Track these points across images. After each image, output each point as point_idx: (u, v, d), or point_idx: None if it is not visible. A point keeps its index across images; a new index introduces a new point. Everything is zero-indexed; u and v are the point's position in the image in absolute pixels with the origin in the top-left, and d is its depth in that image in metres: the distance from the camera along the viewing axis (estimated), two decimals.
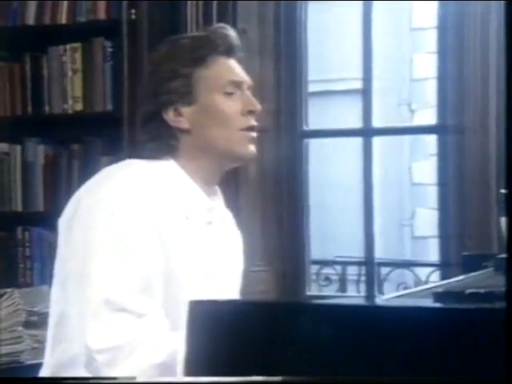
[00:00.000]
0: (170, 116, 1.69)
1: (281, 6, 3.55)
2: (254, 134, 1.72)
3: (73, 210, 1.64)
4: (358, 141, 3.70)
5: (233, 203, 3.14)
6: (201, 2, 3.14)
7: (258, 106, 1.73)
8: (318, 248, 6.14)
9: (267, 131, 3.43)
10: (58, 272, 1.66)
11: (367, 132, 3.65)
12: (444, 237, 3.50)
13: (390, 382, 0.90)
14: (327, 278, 6.09)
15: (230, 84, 1.71)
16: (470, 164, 3.12)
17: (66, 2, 3.21)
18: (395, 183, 7.09)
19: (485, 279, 1.50)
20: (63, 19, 3.22)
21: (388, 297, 1.31)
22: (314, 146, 4.00)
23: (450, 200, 3.35)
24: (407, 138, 7.26)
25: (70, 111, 3.21)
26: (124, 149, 3.10)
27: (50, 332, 1.68)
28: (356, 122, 3.73)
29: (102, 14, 3.15)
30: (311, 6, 3.96)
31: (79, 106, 3.19)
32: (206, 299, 1.04)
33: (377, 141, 3.65)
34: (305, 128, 3.66)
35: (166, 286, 1.60)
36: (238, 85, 1.72)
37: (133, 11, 3.06)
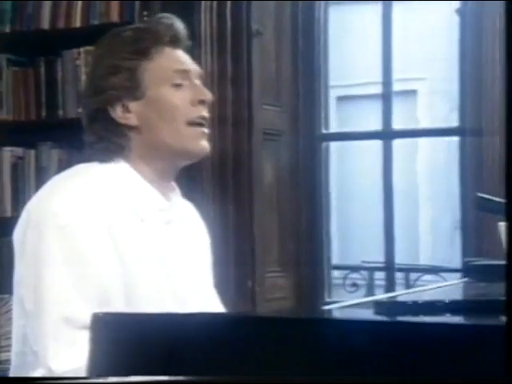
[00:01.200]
0: (117, 113, 1.62)
1: (298, 6, 3.49)
2: (205, 130, 1.65)
3: (25, 223, 1.56)
4: (398, 143, 3.58)
5: (247, 206, 3.12)
6: (214, 4, 3.09)
7: (208, 95, 1.65)
8: (344, 253, 6.06)
9: (282, 136, 3.38)
10: (16, 288, 1.57)
11: (387, 134, 3.58)
12: (465, 241, 3.41)
13: (389, 382, 0.85)
14: (354, 284, 6.00)
15: (176, 74, 1.63)
16: (488, 166, 3.05)
17: (80, 6, 3.18)
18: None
19: (455, 289, 1.43)
20: (77, 22, 3.19)
21: (335, 306, 1.25)
22: (336, 148, 3.95)
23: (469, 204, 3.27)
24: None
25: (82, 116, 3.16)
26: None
27: (14, 349, 1.59)
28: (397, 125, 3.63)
29: (115, 17, 3.12)
30: (333, 7, 3.90)
31: None
32: (109, 312, 1.00)
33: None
34: (323, 131, 3.59)
35: (126, 293, 1.53)
36: (185, 74, 1.64)
37: (145, 13, 3.02)
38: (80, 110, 3.14)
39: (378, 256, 3.97)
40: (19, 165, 3.28)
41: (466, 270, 1.59)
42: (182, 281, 1.64)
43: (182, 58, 1.66)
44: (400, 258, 3.85)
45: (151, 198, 1.62)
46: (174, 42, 1.66)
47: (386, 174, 3.55)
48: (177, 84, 1.62)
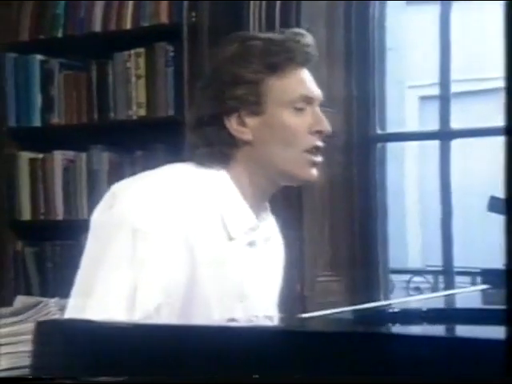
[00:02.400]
0: (232, 124, 1.55)
1: (352, 4, 3.41)
2: (319, 158, 1.59)
3: (105, 208, 1.50)
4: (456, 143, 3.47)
5: (297, 209, 3.06)
6: (264, 2, 3.03)
7: (327, 127, 1.60)
8: (401, 256, 5.95)
9: (335, 138, 3.30)
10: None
11: (445, 135, 3.47)
12: None
13: (389, 382, 0.82)
14: (417, 288, 5.88)
15: (301, 99, 1.56)
16: None
17: (130, 7, 3.16)
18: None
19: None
20: (128, 24, 3.18)
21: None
22: (393, 149, 3.84)
23: None
24: None
25: (135, 117, 3.16)
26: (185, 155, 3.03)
27: None
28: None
29: (164, 18, 3.09)
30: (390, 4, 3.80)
31: (143, 112, 3.13)
32: (54, 319, 0.96)
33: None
34: (378, 131, 3.50)
35: (185, 311, 1.47)
36: (309, 100, 1.57)
37: (193, 14, 2.98)
38: (130, 112, 3.17)
39: (437, 259, 3.87)
40: (70, 168, 3.28)
41: (487, 277, 1.52)
42: (255, 306, 1.58)
43: (309, 81, 1.59)
44: (459, 261, 3.73)
45: (244, 216, 1.56)
46: (305, 62, 1.59)
47: (443, 175, 3.44)
48: (299, 108, 1.56)
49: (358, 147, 3.39)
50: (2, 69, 3.35)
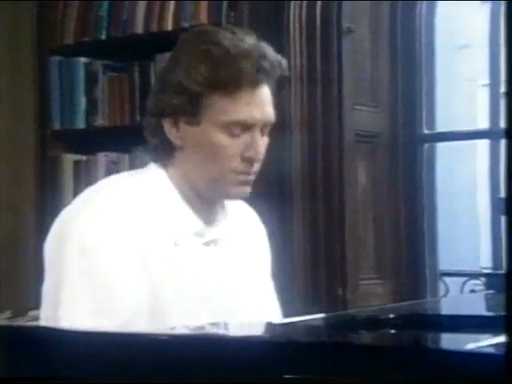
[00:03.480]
0: (168, 127, 1.52)
1: (398, 2, 3.34)
2: (250, 177, 1.52)
3: (52, 236, 1.52)
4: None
5: (337, 211, 3.00)
6: (304, 2, 2.99)
7: (259, 156, 1.52)
8: (449, 258, 5.82)
9: (378, 137, 3.23)
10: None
11: (495, 134, 3.38)
12: None
13: (389, 383, 0.81)
14: (472, 291, 5.76)
15: (237, 125, 1.50)
16: None
17: (171, 8, 3.15)
18: None
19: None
20: (169, 26, 3.16)
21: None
22: (442, 149, 3.75)
23: None
24: None
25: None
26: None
27: None
28: None
29: (203, 19, 3.06)
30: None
31: None
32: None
33: None
34: (425, 131, 3.42)
35: (152, 320, 1.44)
36: (246, 127, 1.50)
37: (232, 14, 2.95)
38: None
39: (487, 261, 3.78)
40: (113, 169, 3.27)
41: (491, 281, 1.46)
42: (224, 303, 1.55)
43: (255, 105, 1.50)
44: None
45: (186, 221, 1.53)
46: (255, 83, 1.49)
47: (492, 175, 3.35)
48: (233, 134, 1.50)
49: (403, 147, 3.32)
50: (47, 72, 3.37)
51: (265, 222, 3.00)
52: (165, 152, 1.54)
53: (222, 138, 1.50)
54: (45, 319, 1.48)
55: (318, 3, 2.98)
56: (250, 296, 1.62)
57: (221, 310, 1.53)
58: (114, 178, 1.59)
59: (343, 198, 2.99)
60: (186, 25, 3.11)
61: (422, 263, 3.38)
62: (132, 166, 3.25)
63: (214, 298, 1.54)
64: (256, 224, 1.72)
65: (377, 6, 3.25)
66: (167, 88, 1.52)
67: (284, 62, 1.55)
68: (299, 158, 2.98)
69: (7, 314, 2.69)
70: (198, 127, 1.50)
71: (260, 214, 2.99)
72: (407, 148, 3.33)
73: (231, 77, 1.47)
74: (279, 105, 3.03)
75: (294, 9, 2.98)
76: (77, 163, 3.35)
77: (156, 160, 1.56)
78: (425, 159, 3.40)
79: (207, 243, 1.55)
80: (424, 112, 3.42)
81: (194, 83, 1.48)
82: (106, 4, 3.31)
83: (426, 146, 3.41)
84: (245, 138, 1.50)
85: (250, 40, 1.51)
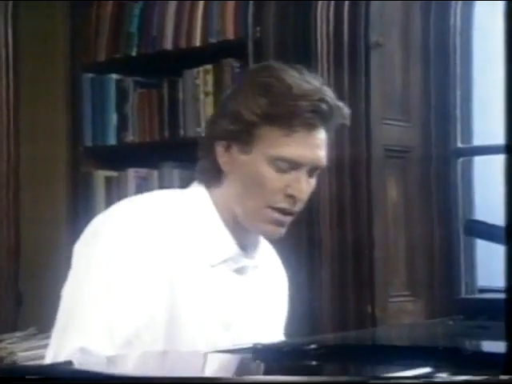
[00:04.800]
0: (219, 151, 1.53)
1: (430, 14, 3.26)
2: (285, 218, 1.51)
3: (83, 238, 1.51)
4: None
5: (366, 227, 2.93)
6: (331, 16, 2.94)
7: (302, 195, 1.51)
8: (488, 275, 5.66)
9: (410, 152, 3.16)
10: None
11: None
12: None
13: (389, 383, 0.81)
14: None
15: (288, 162, 1.49)
16: None
17: (199, 24, 3.13)
18: None
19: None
20: (197, 41, 3.14)
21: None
22: (479, 164, 3.65)
23: None
24: None
25: (203, 134, 3.11)
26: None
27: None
28: None
29: (230, 34, 3.04)
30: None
31: None
32: None
33: None
34: (460, 145, 3.33)
35: (169, 338, 1.43)
36: (294, 166, 1.50)
37: (258, 29, 2.92)
38: (198, 129, 3.14)
39: None
40: (143, 185, 3.26)
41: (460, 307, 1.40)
42: (241, 335, 1.53)
43: (307, 146, 1.50)
44: None
45: (224, 244, 1.53)
46: (311, 125, 1.50)
47: None
48: (280, 169, 1.50)
49: (437, 162, 3.24)
50: (79, 89, 3.38)
51: (293, 239, 2.98)
52: (212, 174, 1.55)
53: (268, 171, 1.50)
54: (61, 320, 1.46)
55: (345, 17, 2.93)
56: (264, 329, 1.60)
57: (239, 337, 1.51)
58: (158, 193, 1.60)
59: (372, 214, 2.92)
60: (213, 40, 3.09)
61: (457, 280, 3.28)
62: (161, 182, 3.24)
63: (235, 326, 1.53)
64: (279, 264, 1.72)
65: (408, 18, 3.18)
66: (226, 114, 1.53)
67: (346, 110, 1.55)
68: (326, 175, 2.92)
69: (32, 330, 2.68)
70: (247, 156, 1.51)
71: (288, 231, 2.96)
72: (441, 162, 3.24)
73: (287, 114, 1.48)
74: None
75: (320, 23, 2.92)
76: (108, 179, 3.35)
77: (201, 180, 1.57)
78: (460, 174, 3.31)
79: (238, 270, 1.54)
80: (459, 125, 3.33)
81: (252, 113, 1.49)
82: (136, 21, 3.30)
83: (461, 160, 3.32)
84: (291, 175, 1.50)
85: (314, 82, 1.52)
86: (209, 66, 3.09)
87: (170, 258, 1.46)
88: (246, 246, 1.56)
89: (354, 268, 2.92)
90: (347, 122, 1.56)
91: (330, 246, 2.92)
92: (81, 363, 1.31)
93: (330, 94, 1.51)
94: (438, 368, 0.75)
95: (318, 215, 2.92)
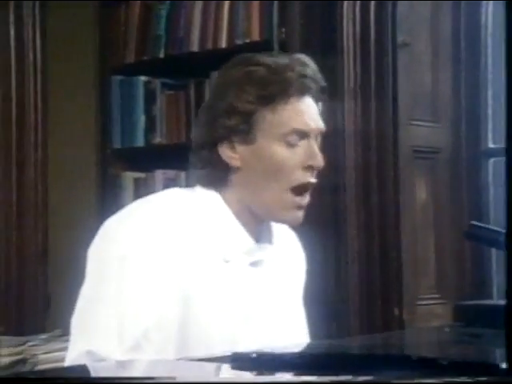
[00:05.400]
0: (224, 150, 1.51)
1: (461, 14, 3.19)
2: (305, 200, 1.50)
3: (95, 242, 1.50)
4: None
5: (393, 229, 2.87)
6: (357, 16, 2.88)
7: (320, 162, 1.49)
8: None
9: (440, 153, 3.09)
10: None
11: None
12: None
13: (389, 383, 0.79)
14: None
15: (293, 133, 1.49)
16: None
17: (225, 26, 3.09)
18: None
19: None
20: (223, 43, 3.11)
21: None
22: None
23: None
24: None
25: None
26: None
27: None
28: None
29: (255, 35, 3.00)
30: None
31: None
32: None
33: None
34: (491, 145, 3.26)
35: (183, 337, 1.42)
36: (302, 135, 1.49)
37: (283, 30, 2.87)
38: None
39: None
40: (171, 186, 3.20)
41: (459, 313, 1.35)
42: (260, 327, 1.51)
43: (308, 113, 1.51)
44: None
45: (238, 238, 1.51)
46: (304, 90, 1.51)
47: None
48: (291, 144, 1.49)
49: (467, 162, 3.16)
50: (108, 91, 3.37)
51: (320, 241, 2.93)
52: (217, 178, 1.53)
53: (281, 150, 1.49)
54: (75, 323, 1.45)
55: (372, 17, 2.87)
56: (284, 320, 1.58)
57: (258, 331, 1.50)
58: (168, 192, 1.59)
59: (399, 216, 2.86)
60: (239, 42, 3.05)
61: (488, 282, 3.21)
62: (188, 183, 3.20)
63: (254, 319, 1.51)
64: (297, 248, 1.69)
65: (437, 17, 3.11)
66: (218, 115, 1.52)
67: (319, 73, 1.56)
68: (353, 176, 2.87)
69: (57, 332, 2.67)
70: (254, 145, 1.50)
71: (315, 233, 2.91)
72: (471, 163, 3.17)
73: (279, 88, 1.49)
74: (332, 120, 2.94)
75: (347, 22, 2.87)
76: (137, 180, 3.33)
77: (206, 185, 1.55)
78: (491, 174, 3.24)
79: (254, 263, 1.53)
80: (490, 125, 3.25)
81: (246, 102, 1.49)
82: (163, 23, 3.28)
83: (492, 160, 3.24)
84: (303, 146, 1.50)
85: (287, 56, 1.56)
86: None
87: (184, 256, 1.44)
88: (259, 238, 1.54)
89: (382, 271, 2.86)
90: (324, 83, 1.55)
91: (358, 248, 2.87)
92: (84, 367, 1.28)
93: (307, 59, 1.53)
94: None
95: (345, 218, 2.87)
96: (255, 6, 3.00)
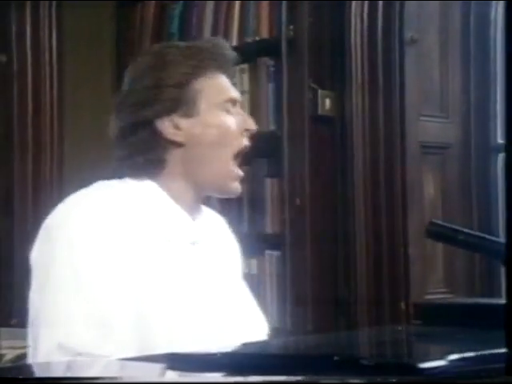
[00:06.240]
0: (165, 127, 1.48)
1: (471, 12, 3.14)
2: (241, 172, 1.53)
3: (39, 239, 1.45)
4: None
5: (400, 224, 2.84)
6: (365, 13, 2.85)
7: (254, 126, 1.54)
8: None
9: (449, 148, 3.05)
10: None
11: None
12: None
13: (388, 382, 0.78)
14: None
15: (228, 101, 1.52)
16: None
17: (236, 24, 3.08)
18: None
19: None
20: (234, 41, 3.10)
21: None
22: None
23: None
24: None
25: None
26: (285, 170, 2.90)
27: None
28: None
29: (265, 33, 2.98)
30: None
31: None
32: None
33: None
34: (500, 141, 3.21)
35: (140, 314, 1.40)
36: (234, 102, 1.53)
37: (291, 27, 2.85)
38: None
39: None
40: None
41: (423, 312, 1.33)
42: (208, 301, 1.50)
43: (229, 85, 1.57)
44: None
45: (178, 218, 1.50)
46: (225, 66, 1.56)
47: None
48: (228, 110, 1.52)
49: (476, 158, 3.12)
50: None
51: (328, 237, 2.91)
52: (151, 164, 1.49)
53: (224, 118, 1.51)
54: (31, 320, 1.43)
55: (380, 14, 2.84)
56: (230, 293, 1.58)
57: (207, 305, 1.49)
58: (101, 183, 1.52)
59: (407, 210, 2.83)
60: (249, 40, 3.04)
61: (497, 276, 3.17)
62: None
63: (199, 295, 1.49)
64: (227, 229, 1.68)
65: (446, 14, 3.07)
66: (154, 88, 1.49)
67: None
68: (361, 171, 2.85)
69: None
70: (198, 116, 1.50)
71: (323, 228, 2.89)
72: (481, 159, 3.13)
73: (207, 61, 1.51)
74: (341, 117, 2.90)
75: (354, 19, 2.85)
76: None
77: (138, 175, 1.50)
78: (500, 169, 3.19)
79: (194, 242, 1.52)
80: (499, 121, 3.21)
81: (179, 74, 1.49)
82: (176, 21, 3.28)
83: (501, 155, 3.20)
84: (236, 113, 1.53)
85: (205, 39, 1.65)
86: (244, 65, 3.04)
87: (129, 242, 1.42)
88: (196, 219, 1.54)
89: (389, 265, 2.84)
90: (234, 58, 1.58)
91: (365, 242, 2.85)
92: (58, 363, 1.27)
93: (223, 41, 1.59)
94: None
95: (353, 212, 2.85)
96: (265, 4, 2.98)
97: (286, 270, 2.87)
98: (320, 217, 2.86)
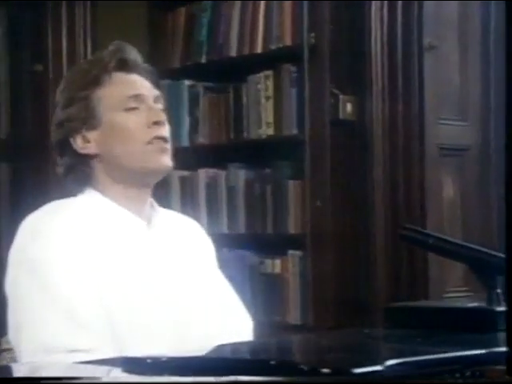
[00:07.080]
0: (78, 143, 1.57)
1: (490, 13, 3.14)
2: (165, 145, 1.55)
3: (8, 268, 1.52)
4: None
5: (419, 225, 2.85)
6: (385, 21, 2.87)
7: (161, 117, 1.56)
8: None
9: (468, 150, 3.05)
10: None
11: None
12: None
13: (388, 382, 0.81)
14: None
15: (129, 99, 1.55)
16: None
17: (261, 31, 3.12)
18: None
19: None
20: (259, 48, 3.13)
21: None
22: None
23: None
24: None
25: (264, 136, 3.11)
26: (306, 173, 2.93)
27: None
28: None
29: (288, 40, 3.01)
30: None
31: (271, 131, 3.08)
32: None
33: None
34: None
35: (106, 309, 1.45)
36: (138, 98, 1.56)
37: (312, 35, 2.88)
38: (260, 131, 3.13)
39: None
40: (212, 184, 3.29)
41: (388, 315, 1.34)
42: (164, 289, 1.54)
43: (134, 82, 1.59)
44: None
45: (128, 222, 1.55)
46: (123, 67, 1.59)
47: None
48: (130, 108, 1.56)
49: (496, 160, 3.12)
50: None
51: (348, 238, 2.93)
52: (85, 175, 1.57)
53: (121, 117, 1.55)
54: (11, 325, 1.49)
55: (399, 21, 2.85)
56: (197, 283, 1.61)
57: (165, 295, 1.53)
58: (53, 204, 1.58)
59: (425, 212, 2.84)
60: (273, 47, 3.07)
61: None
62: (228, 181, 3.25)
63: (159, 284, 1.54)
64: (188, 224, 1.71)
65: (466, 19, 3.07)
66: (62, 109, 1.59)
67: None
68: (381, 174, 2.86)
69: None
70: (101, 125, 1.56)
71: (344, 226, 2.91)
72: (500, 161, 3.12)
73: (99, 69, 1.57)
74: (361, 121, 2.92)
75: (374, 26, 2.86)
76: (182, 178, 3.39)
77: (80, 187, 1.59)
78: None
79: (149, 240, 1.56)
80: None
81: (78, 90, 1.57)
82: (205, 29, 3.32)
83: None
84: (145, 109, 1.56)
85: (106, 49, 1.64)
86: (269, 72, 3.08)
87: (92, 251, 1.49)
88: (148, 219, 1.58)
89: (408, 265, 2.85)
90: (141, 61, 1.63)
91: (384, 243, 2.86)
92: (44, 365, 1.31)
93: (122, 44, 1.62)
94: None
95: (372, 214, 2.87)
96: (288, 12, 3.01)
97: (308, 269, 2.90)
98: (340, 218, 2.88)
